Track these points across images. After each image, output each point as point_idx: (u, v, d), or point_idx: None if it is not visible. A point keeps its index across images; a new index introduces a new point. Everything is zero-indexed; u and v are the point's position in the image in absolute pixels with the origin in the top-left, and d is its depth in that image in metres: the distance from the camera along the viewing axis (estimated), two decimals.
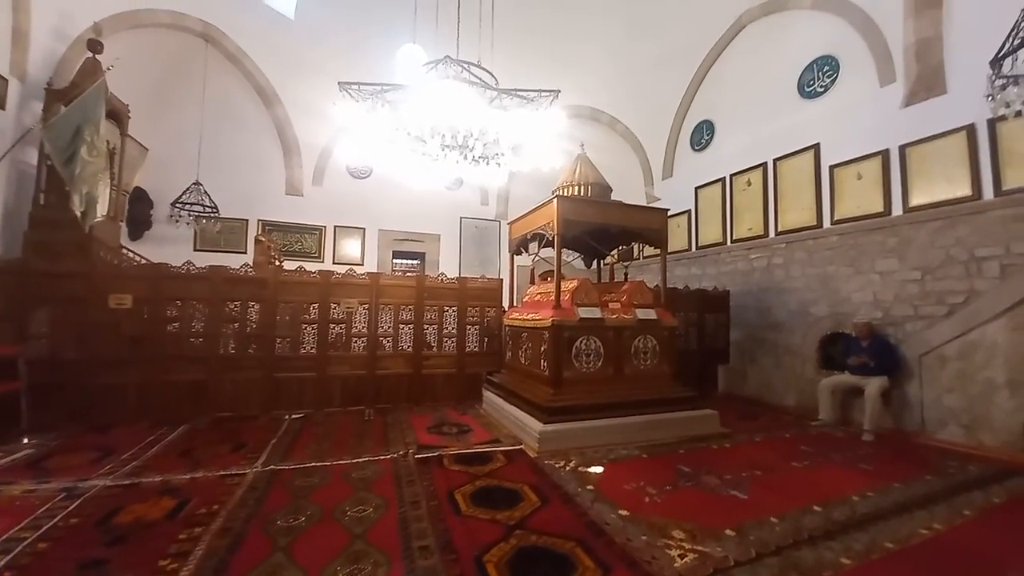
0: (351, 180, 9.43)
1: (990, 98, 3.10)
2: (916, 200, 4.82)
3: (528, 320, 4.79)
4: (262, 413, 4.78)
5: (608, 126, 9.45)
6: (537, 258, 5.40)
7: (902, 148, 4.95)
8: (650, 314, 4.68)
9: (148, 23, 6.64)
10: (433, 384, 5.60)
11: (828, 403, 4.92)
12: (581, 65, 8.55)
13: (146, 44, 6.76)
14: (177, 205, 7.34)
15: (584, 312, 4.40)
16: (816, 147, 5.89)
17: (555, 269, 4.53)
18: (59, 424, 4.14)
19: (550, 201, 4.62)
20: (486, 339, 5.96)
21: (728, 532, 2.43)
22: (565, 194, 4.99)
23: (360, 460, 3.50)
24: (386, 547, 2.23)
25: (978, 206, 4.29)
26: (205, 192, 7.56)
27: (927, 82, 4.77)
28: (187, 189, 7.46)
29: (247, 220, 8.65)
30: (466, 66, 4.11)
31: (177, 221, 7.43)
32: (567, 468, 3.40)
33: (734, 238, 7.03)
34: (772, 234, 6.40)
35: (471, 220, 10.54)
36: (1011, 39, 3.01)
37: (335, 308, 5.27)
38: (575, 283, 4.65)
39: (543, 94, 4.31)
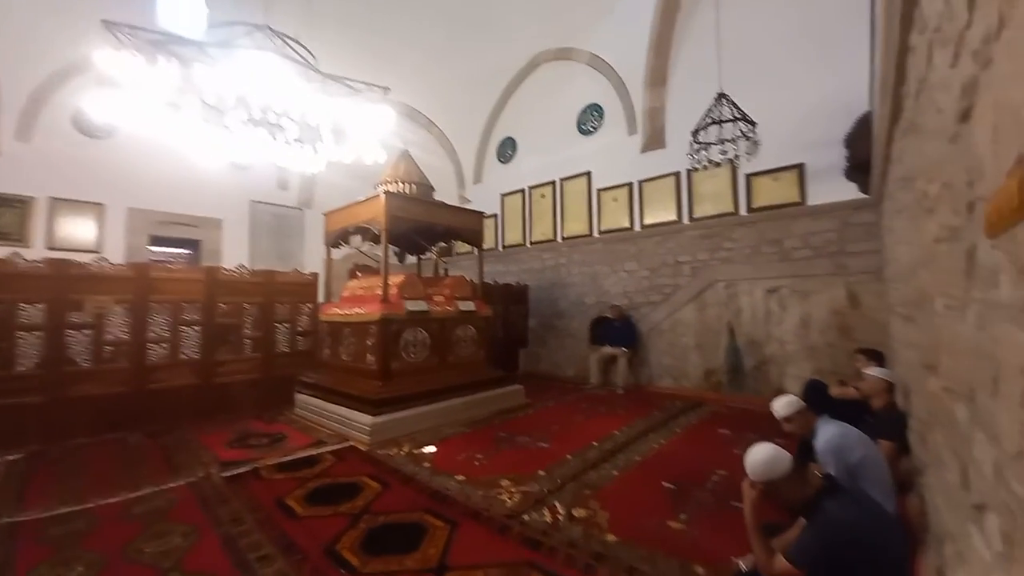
0: (81, 139, 7.03)
1: (690, 156, 4.69)
2: (647, 220, 6.73)
3: (352, 315, 4.67)
4: None
5: (424, 128, 9.68)
6: (356, 252, 5.28)
7: (640, 183, 6.82)
8: (469, 306, 5.19)
9: None
10: (230, 394, 4.82)
11: (596, 370, 6.42)
12: (402, 65, 8.51)
13: None
14: None
15: (411, 305, 4.57)
16: (588, 174, 7.50)
17: (382, 263, 4.56)
18: None
19: (376, 196, 4.61)
20: (299, 338, 5.45)
21: (540, 473, 3.07)
22: (389, 190, 5.03)
23: (140, 493, 2.85)
24: (213, 570, 2.00)
25: (680, 227, 6.32)
26: None
27: (654, 138, 6.71)
28: None
29: None
30: (287, 40, 3.73)
31: None
32: (402, 453, 3.56)
33: (532, 240, 8.29)
34: (559, 239, 7.84)
35: (265, 206, 9.23)
36: (705, 118, 4.62)
37: (78, 309, 3.98)
38: (402, 278, 4.77)
39: (371, 87, 4.26)
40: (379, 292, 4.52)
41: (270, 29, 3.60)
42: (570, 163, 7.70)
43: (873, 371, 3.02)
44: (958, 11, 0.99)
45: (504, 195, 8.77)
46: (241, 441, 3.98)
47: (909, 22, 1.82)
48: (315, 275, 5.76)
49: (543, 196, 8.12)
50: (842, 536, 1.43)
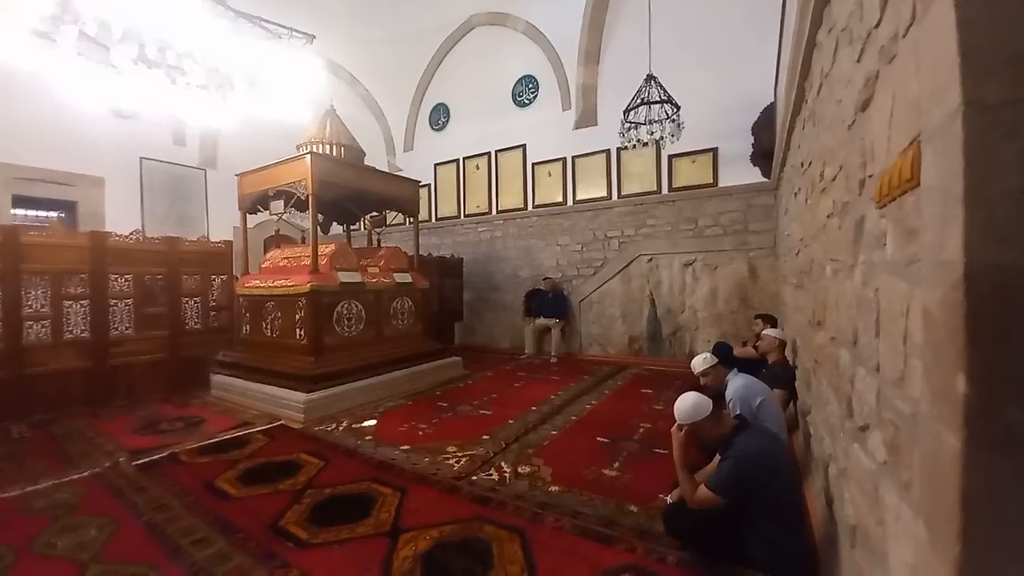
0: None
1: (622, 135, 4.90)
2: (580, 196, 6.97)
3: (276, 287, 4.34)
4: None
5: (348, 84, 8.96)
6: (271, 219, 4.85)
7: (573, 158, 7.01)
8: (406, 278, 5.06)
9: None
10: (130, 377, 4.28)
11: (531, 341, 6.66)
12: (322, 10, 7.71)
13: None
14: None
15: (345, 276, 4.36)
16: (524, 147, 7.52)
17: (311, 231, 4.26)
18: None
19: (301, 157, 4.25)
20: (212, 313, 4.95)
21: (484, 437, 3.18)
22: (315, 151, 4.65)
23: (38, 487, 2.51)
24: (142, 557, 1.85)
25: (609, 204, 6.64)
26: None
27: (587, 115, 6.88)
28: None
29: None
30: None
31: None
32: (340, 429, 3.46)
33: (466, 213, 8.20)
34: (494, 212, 7.85)
35: (159, 164, 8.04)
36: (635, 99, 4.83)
37: None
38: (333, 247, 4.51)
39: (295, 34, 3.85)
40: (307, 262, 4.24)
41: None
42: (505, 135, 7.65)
43: (769, 332, 3.50)
44: (870, 11, 1.16)
45: (437, 165, 8.52)
46: (150, 427, 3.60)
47: (818, 21, 2.06)
48: (228, 244, 5.22)
49: (478, 168, 8.03)
50: (752, 462, 1.70)
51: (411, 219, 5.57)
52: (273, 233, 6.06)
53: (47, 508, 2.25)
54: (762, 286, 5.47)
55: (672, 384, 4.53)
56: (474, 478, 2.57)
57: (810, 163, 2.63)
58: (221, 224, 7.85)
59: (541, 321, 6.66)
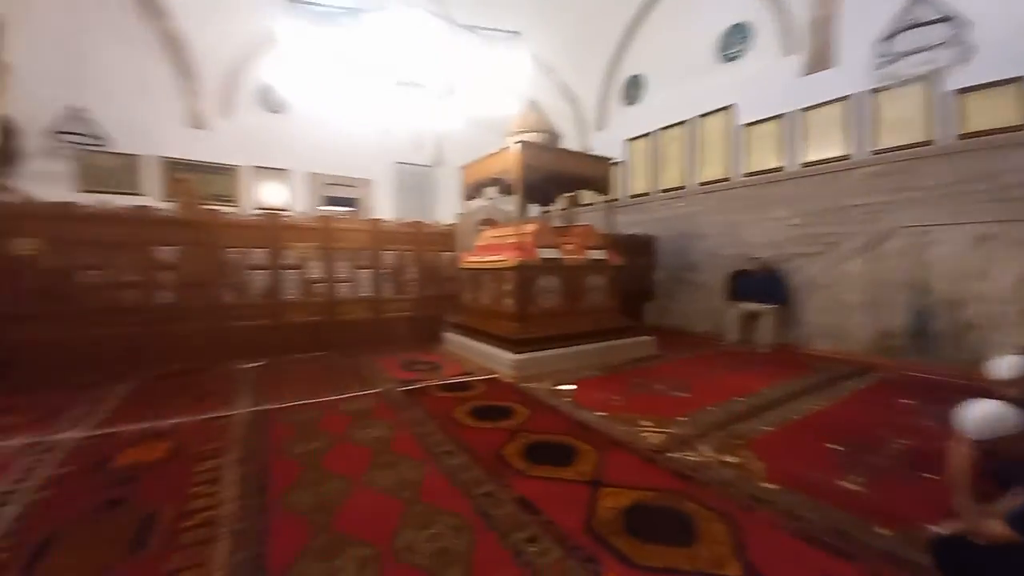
0: (266, 114, 8.44)
1: (879, 71, 3.85)
2: (806, 158, 5.80)
3: (490, 262, 5.03)
4: (209, 365, 4.53)
5: (544, 73, 9.46)
6: (482, 206, 5.59)
7: (798, 112, 5.85)
8: (600, 255, 5.19)
9: None
10: (393, 328, 5.68)
11: (735, 327, 5.99)
12: (521, 6, 8.33)
13: None
14: (60, 135, 6.08)
15: (545, 253, 4.75)
16: (730, 108, 6.65)
17: (518, 213, 4.77)
18: None
19: (510, 148, 4.75)
20: (444, 282, 6.10)
21: (681, 419, 3.09)
22: (521, 140, 5.13)
23: (345, 396, 3.62)
24: (412, 455, 2.50)
25: (850, 164, 5.34)
26: (88, 120, 6.32)
27: (819, 56, 5.61)
28: (70, 115, 6.18)
29: (137, 156, 7.42)
30: None
31: (56, 155, 6.18)
32: (543, 388, 3.86)
33: (660, 188, 7.79)
34: (692, 185, 7.23)
35: (406, 166, 10.15)
36: (898, 22, 3.74)
37: (285, 254, 5.01)
38: (535, 227, 4.95)
39: (501, 32, 4.30)
40: (514, 241, 4.78)
41: None
42: (708, 97, 6.91)
43: None
44: None
45: (629, 140, 8.30)
46: (408, 366, 4.71)
47: None
48: (453, 226, 6.28)
49: (674, 139, 7.49)
50: None
51: (603, 198, 5.63)
52: (484, 217, 6.98)
53: (352, 411, 3.25)
54: None
55: (947, 397, 3.45)
56: (672, 455, 2.54)
57: None
58: (445, 212, 9.47)
59: (748, 305, 5.91)
